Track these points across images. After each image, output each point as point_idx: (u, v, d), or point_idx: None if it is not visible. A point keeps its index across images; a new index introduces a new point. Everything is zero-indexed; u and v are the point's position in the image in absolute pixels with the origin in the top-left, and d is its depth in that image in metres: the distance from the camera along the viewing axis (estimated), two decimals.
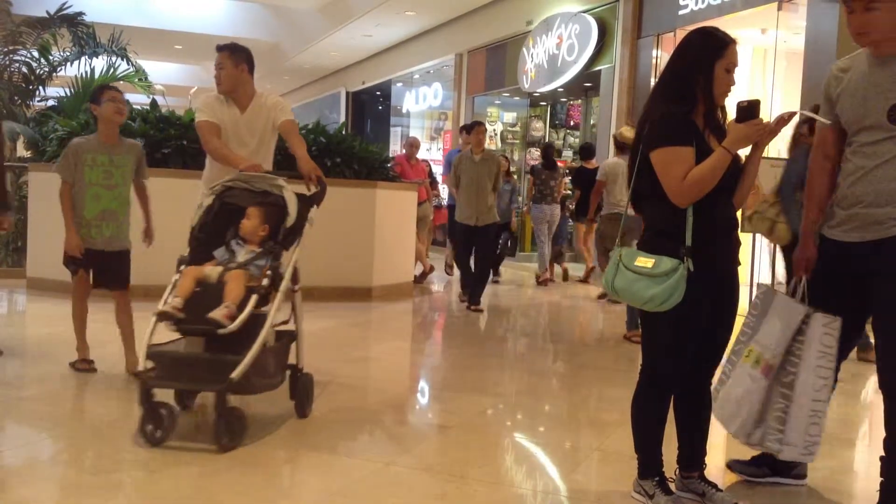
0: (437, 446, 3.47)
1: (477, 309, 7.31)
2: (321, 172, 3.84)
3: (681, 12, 9.45)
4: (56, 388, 4.04)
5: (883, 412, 2.69)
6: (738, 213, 2.84)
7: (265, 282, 3.33)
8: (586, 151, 9.93)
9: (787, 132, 2.97)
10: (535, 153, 13.65)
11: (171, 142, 6.96)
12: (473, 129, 7.58)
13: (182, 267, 3.42)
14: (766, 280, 6.11)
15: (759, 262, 8.04)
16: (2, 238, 8.25)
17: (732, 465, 3.15)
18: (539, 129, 14.52)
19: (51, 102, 11.81)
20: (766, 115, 2.68)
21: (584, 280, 10.00)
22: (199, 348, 3.35)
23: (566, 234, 10.58)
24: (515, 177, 11.48)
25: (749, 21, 8.87)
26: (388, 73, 18.47)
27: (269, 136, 4.23)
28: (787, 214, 4.65)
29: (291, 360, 3.70)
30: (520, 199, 10.69)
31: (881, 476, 2.71)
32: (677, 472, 2.88)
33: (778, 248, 5.69)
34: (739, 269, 2.83)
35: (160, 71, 17.12)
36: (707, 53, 2.60)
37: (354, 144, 7.89)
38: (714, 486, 2.83)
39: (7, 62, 11.18)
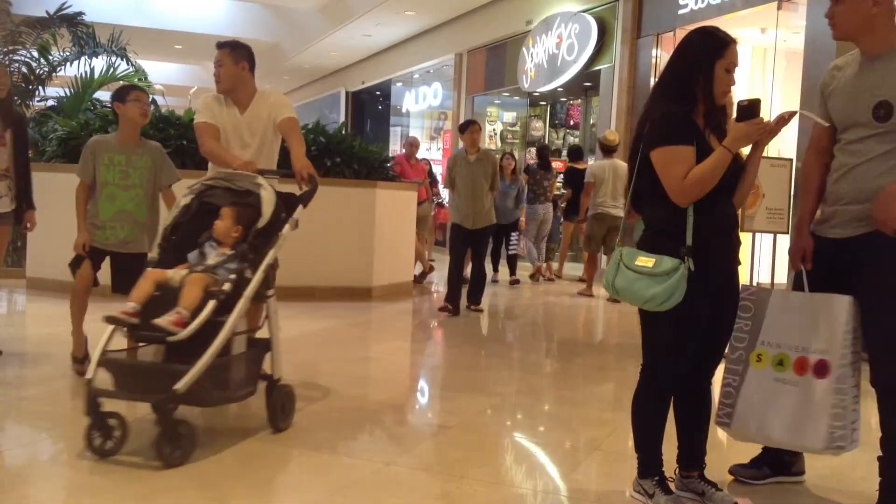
0: (438, 446, 3.47)
1: (477, 309, 7.21)
2: (314, 171, 3.72)
3: (680, 12, 9.44)
4: (56, 388, 4.04)
5: (877, 410, 2.70)
6: (739, 213, 2.85)
7: (226, 286, 3.11)
8: (575, 153, 10.33)
9: (787, 131, 2.96)
10: (532, 153, 13.69)
11: (170, 142, 6.96)
12: (467, 128, 7.26)
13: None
14: (766, 280, 6.11)
15: (759, 261, 8.04)
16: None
17: (733, 470, 3.14)
18: (539, 128, 14.51)
19: (50, 102, 11.81)
20: (766, 114, 2.69)
21: (557, 276, 10.38)
22: (158, 357, 3.16)
23: (559, 234, 10.66)
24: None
25: (749, 20, 8.86)
26: (387, 72, 18.47)
27: (271, 136, 4.08)
28: None
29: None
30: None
31: (880, 475, 2.71)
32: (677, 472, 2.88)
33: (780, 249, 5.70)
34: (740, 268, 2.83)
35: (160, 71, 17.14)
36: (707, 53, 2.60)
37: (354, 144, 7.89)
38: (714, 485, 2.83)
39: (7, 62, 11.17)
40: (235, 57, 3.98)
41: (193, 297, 3.04)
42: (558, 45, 11.63)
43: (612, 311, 7.92)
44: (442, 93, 16.24)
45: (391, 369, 5.15)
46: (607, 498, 2.91)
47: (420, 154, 10.34)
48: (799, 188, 3.04)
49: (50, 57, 11.43)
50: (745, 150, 2.69)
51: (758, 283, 6.68)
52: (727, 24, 8.05)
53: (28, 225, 4.61)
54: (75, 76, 11.27)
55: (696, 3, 9.21)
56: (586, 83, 12.16)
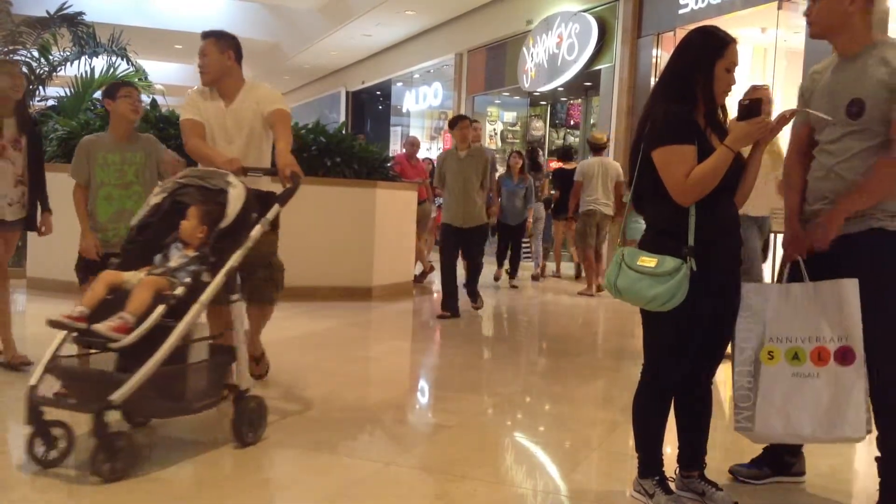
0: (438, 446, 3.47)
1: (476, 307, 7.10)
2: (298, 168, 3.52)
3: (681, 11, 9.45)
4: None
5: (873, 409, 2.71)
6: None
7: (178, 291, 2.94)
8: (565, 153, 10.54)
9: (788, 130, 2.97)
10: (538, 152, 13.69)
11: (170, 141, 6.95)
12: (457, 123, 6.97)
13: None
14: (766, 278, 6.11)
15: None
16: None
17: (734, 470, 3.14)
18: (539, 128, 14.52)
19: (51, 102, 11.80)
20: (762, 112, 2.69)
21: (580, 277, 10.31)
22: (111, 364, 2.97)
23: (550, 233, 10.71)
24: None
25: (749, 20, 8.87)
26: (388, 72, 18.48)
27: (260, 130, 3.84)
28: None
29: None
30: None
31: (879, 476, 2.71)
32: (677, 472, 2.88)
33: (779, 247, 5.69)
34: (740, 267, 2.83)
35: (160, 71, 17.13)
36: (707, 53, 2.60)
37: (354, 144, 7.89)
38: (714, 485, 2.82)
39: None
40: (220, 46, 3.81)
41: (141, 302, 2.87)
42: (559, 44, 11.64)
43: (611, 311, 7.92)
44: (442, 93, 16.25)
45: (391, 369, 5.15)
46: (607, 498, 2.91)
47: (420, 154, 10.34)
48: (783, 186, 3.06)
49: (50, 57, 11.44)
50: (747, 150, 2.69)
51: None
52: (728, 23, 8.05)
53: (43, 229, 4.46)
54: (75, 76, 11.27)
55: (697, 2, 9.21)
56: (587, 83, 12.17)
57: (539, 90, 12.60)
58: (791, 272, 2.85)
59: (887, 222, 2.63)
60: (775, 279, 2.99)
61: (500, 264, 9.46)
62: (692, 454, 2.86)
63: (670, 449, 2.91)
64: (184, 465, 3.00)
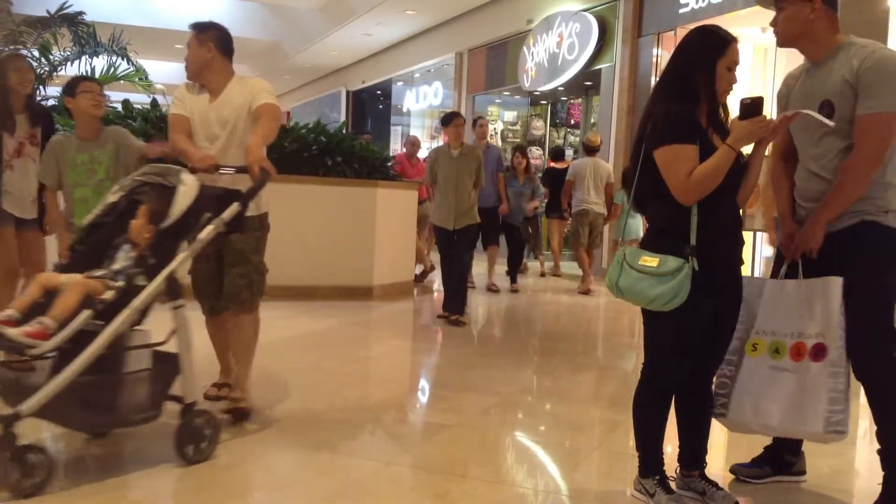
0: (438, 445, 3.47)
1: (458, 321, 6.47)
2: (269, 164, 3.30)
3: (681, 11, 9.44)
4: None
5: (868, 402, 2.72)
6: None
7: (108, 295, 2.76)
8: (557, 153, 10.58)
9: None
10: (536, 152, 13.69)
11: None
12: (451, 121, 6.69)
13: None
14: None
15: (760, 259, 8.05)
16: None
17: (734, 469, 3.14)
18: (539, 127, 14.52)
19: (51, 102, 11.80)
20: (768, 112, 2.71)
21: (556, 274, 10.49)
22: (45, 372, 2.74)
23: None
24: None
25: (749, 19, 8.86)
26: (388, 72, 18.47)
27: (245, 126, 3.56)
28: None
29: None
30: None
31: (883, 470, 2.72)
32: (678, 471, 2.88)
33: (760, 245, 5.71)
34: (742, 267, 2.83)
35: (161, 70, 17.10)
36: (708, 52, 2.60)
37: (355, 143, 7.89)
38: (715, 484, 2.82)
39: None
40: (200, 38, 3.62)
41: (66, 306, 2.70)
42: (559, 44, 11.63)
43: (612, 310, 7.92)
44: (442, 92, 16.24)
45: (392, 369, 5.15)
46: (608, 497, 2.91)
47: (421, 153, 10.33)
48: (773, 190, 3.10)
49: (51, 56, 11.43)
50: (748, 149, 2.69)
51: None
52: (728, 22, 8.05)
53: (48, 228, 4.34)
54: (76, 76, 11.26)
55: (697, 2, 9.21)
56: (587, 82, 12.17)
57: (539, 89, 12.59)
58: (789, 270, 2.86)
59: (880, 217, 2.65)
60: (770, 275, 2.99)
61: (513, 277, 8.95)
62: (693, 453, 2.86)
63: (671, 448, 2.91)
64: (184, 464, 3.00)
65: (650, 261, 2.59)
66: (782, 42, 2.84)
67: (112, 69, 11.75)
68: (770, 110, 5.78)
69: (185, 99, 3.65)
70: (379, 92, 20.15)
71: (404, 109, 18.48)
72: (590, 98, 12.80)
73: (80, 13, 11.48)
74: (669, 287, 2.53)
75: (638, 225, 8.94)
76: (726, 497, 2.77)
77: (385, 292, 7.71)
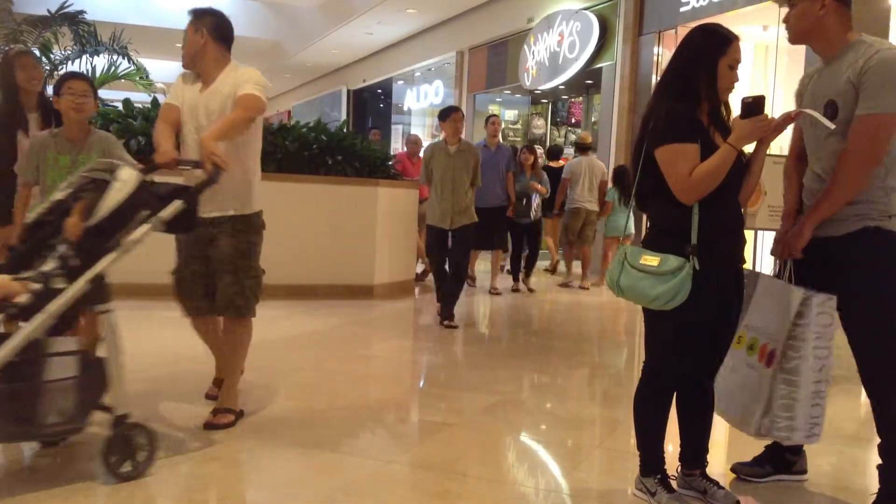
0: (439, 444, 3.47)
1: (450, 325, 6.26)
2: (221, 159, 3.09)
3: (682, 9, 9.43)
4: None
5: (871, 410, 2.72)
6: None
7: (22, 299, 2.59)
8: (553, 152, 10.65)
9: (790, 129, 2.97)
10: (538, 151, 13.69)
11: None
12: (449, 115, 6.43)
13: None
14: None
15: (760, 258, 8.04)
16: None
17: (736, 468, 3.14)
18: (540, 126, 14.52)
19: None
20: (770, 111, 2.71)
21: (551, 271, 10.56)
22: None
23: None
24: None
25: (750, 17, 8.85)
26: (389, 70, 18.47)
27: None
28: None
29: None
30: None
31: (879, 483, 2.71)
32: (679, 470, 2.88)
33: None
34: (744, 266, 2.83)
35: (161, 69, 17.10)
36: (710, 50, 2.59)
37: (356, 142, 7.89)
38: (716, 483, 2.82)
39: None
40: (196, 25, 3.48)
41: None
42: (560, 42, 11.63)
43: (613, 309, 7.92)
44: (443, 91, 16.24)
45: (392, 367, 5.15)
46: (609, 496, 2.91)
47: (422, 152, 10.32)
48: (783, 188, 3.10)
49: (51, 55, 11.44)
50: (749, 148, 2.69)
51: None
52: (729, 21, 8.04)
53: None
54: (66, 72, 11.26)
55: (698, 0, 9.20)
56: (588, 81, 12.16)
57: (540, 88, 12.59)
58: (779, 268, 2.87)
59: (883, 222, 2.64)
60: (773, 273, 3.00)
61: (515, 276, 8.90)
62: (694, 452, 2.86)
63: (672, 447, 2.91)
64: (185, 463, 3.00)
65: (651, 260, 2.59)
66: (793, 38, 2.83)
67: (113, 68, 11.77)
68: (772, 109, 5.76)
69: (178, 88, 3.53)
70: (380, 91, 20.15)
71: (405, 108, 18.48)
72: (591, 97, 12.80)
73: (81, 12, 11.49)
74: (670, 286, 2.53)
75: (626, 221, 9.12)
76: (727, 496, 2.77)
77: (386, 291, 7.71)
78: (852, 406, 4.39)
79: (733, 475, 3.11)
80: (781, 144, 8.09)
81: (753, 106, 2.56)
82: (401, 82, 18.49)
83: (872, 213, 2.65)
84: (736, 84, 2.65)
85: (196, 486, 2.84)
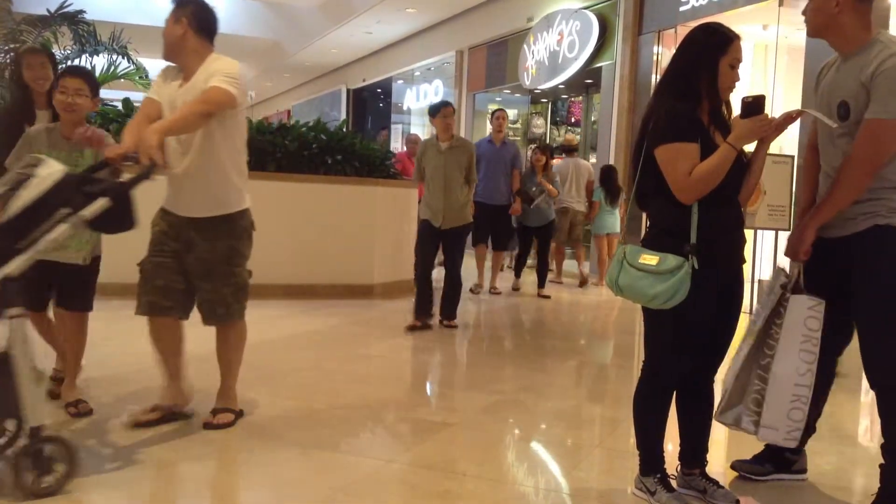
0: (439, 444, 3.47)
1: (451, 325, 6.18)
2: (157, 154, 2.88)
3: (682, 8, 9.43)
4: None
5: (877, 410, 2.71)
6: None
7: None
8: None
9: (790, 128, 2.96)
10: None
11: None
12: (439, 111, 6.19)
13: None
14: (767, 277, 6.10)
15: (760, 258, 8.04)
16: None
17: (736, 466, 3.14)
18: (540, 125, 14.51)
19: None
20: (769, 110, 2.70)
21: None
22: None
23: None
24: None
25: (750, 17, 8.85)
26: (388, 70, 18.47)
27: (215, 120, 3.20)
28: None
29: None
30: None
31: (881, 482, 2.71)
32: (679, 469, 2.88)
33: (781, 246, 5.71)
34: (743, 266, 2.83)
35: (159, 69, 17.16)
36: (711, 50, 2.60)
37: (355, 142, 7.88)
38: (715, 482, 2.83)
39: (8, 60, 11.18)
40: (176, 14, 3.27)
41: None
42: (559, 42, 11.62)
43: (612, 308, 7.92)
44: (443, 90, 16.23)
45: (392, 367, 5.15)
46: (609, 495, 2.91)
47: None
48: (800, 182, 3.09)
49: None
50: (750, 147, 2.68)
51: (759, 280, 6.67)
52: (729, 20, 8.04)
53: None
54: (64, 67, 11.26)
55: None
56: (587, 80, 12.15)
57: (540, 88, 12.58)
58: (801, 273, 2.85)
59: (892, 218, 2.63)
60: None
61: (517, 273, 8.80)
62: (694, 452, 2.86)
63: (672, 446, 2.91)
64: (184, 461, 3.00)
65: (650, 259, 2.59)
66: (810, 32, 2.82)
67: (112, 68, 11.76)
68: (771, 108, 5.75)
69: (160, 82, 3.37)
70: (379, 90, 20.14)
71: (405, 108, 18.47)
72: (590, 96, 12.79)
73: (81, 12, 11.48)
74: (669, 285, 2.53)
75: (615, 220, 9.51)
76: (727, 495, 2.77)
77: (385, 290, 7.71)
78: (852, 406, 4.39)
79: (733, 474, 3.11)
80: (781, 144, 8.11)
81: (753, 105, 2.56)
82: (400, 82, 18.49)
83: (882, 210, 2.63)
84: (737, 83, 2.65)
85: (196, 486, 2.84)
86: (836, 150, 2.74)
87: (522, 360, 5.40)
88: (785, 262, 2.98)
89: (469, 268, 7.85)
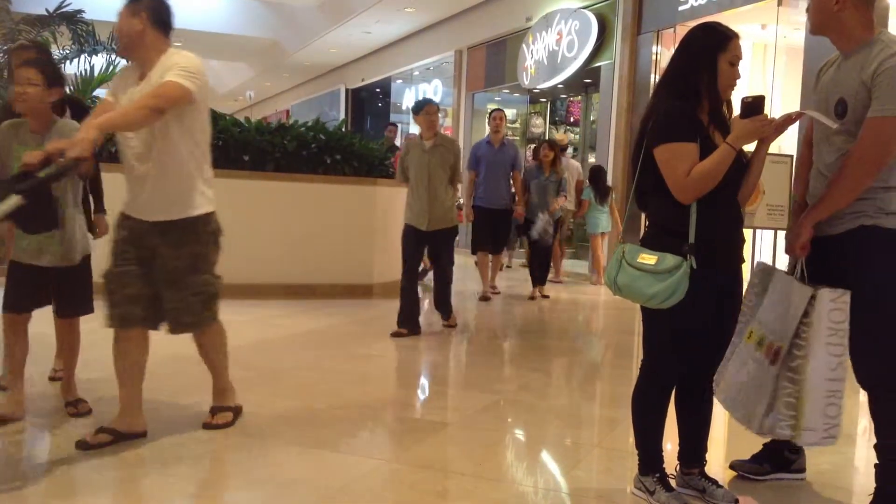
0: (438, 443, 3.47)
1: (449, 324, 6.13)
2: (87, 149, 2.73)
3: (681, 8, 9.43)
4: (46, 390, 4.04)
5: (869, 410, 2.71)
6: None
7: None
8: (535, 152, 10.69)
9: (789, 128, 2.97)
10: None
11: None
12: (422, 108, 5.92)
13: None
14: None
15: (759, 257, 8.05)
16: None
17: (735, 465, 3.15)
18: (539, 125, 14.51)
19: None
20: (768, 110, 2.70)
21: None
22: None
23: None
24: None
25: (749, 16, 8.85)
26: (387, 69, 18.47)
27: (171, 117, 3.03)
28: None
29: None
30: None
31: (876, 483, 2.71)
32: (678, 468, 2.88)
33: (780, 245, 5.71)
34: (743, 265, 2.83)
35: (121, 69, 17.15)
36: (709, 48, 2.60)
37: (354, 142, 7.88)
38: (714, 482, 2.83)
39: (7, 60, 11.18)
40: (133, 7, 3.09)
41: None
42: (558, 41, 11.62)
43: (611, 308, 7.92)
44: (442, 90, 16.24)
45: (391, 367, 5.15)
46: (608, 495, 2.91)
47: None
48: (795, 178, 3.09)
49: None
50: (750, 147, 2.68)
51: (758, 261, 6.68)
52: (727, 20, 8.02)
53: (97, 231, 3.96)
54: (75, 74, 11.26)
55: None
56: (586, 80, 12.15)
57: (539, 87, 12.58)
58: (791, 266, 2.86)
59: (880, 219, 2.63)
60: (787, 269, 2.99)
61: (534, 281, 8.28)
62: (693, 451, 2.86)
63: (671, 446, 2.91)
64: (184, 461, 3.00)
65: (648, 258, 2.59)
66: (812, 30, 2.83)
67: (111, 67, 11.74)
68: (770, 108, 5.76)
69: (117, 81, 3.22)
70: (378, 90, 20.14)
71: (404, 107, 18.46)
72: (589, 96, 12.79)
73: (79, 11, 11.47)
74: (667, 285, 2.53)
75: (606, 219, 9.63)
76: (726, 495, 2.77)
77: (385, 290, 7.70)
78: (851, 406, 4.39)
79: (732, 473, 3.12)
80: (780, 144, 8.11)
81: (753, 106, 2.56)
82: (399, 81, 18.49)
83: (869, 209, 2.64)
84: (738, 80, 2.65)
85: (195, 486, 2.84)
86: (831, 148, 2.73)
87: (521, 360, 5.40)
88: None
89: (466, 267, 7.86)
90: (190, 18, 16.76)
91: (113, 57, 11.74)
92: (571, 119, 14.29)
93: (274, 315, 6.32)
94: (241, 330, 5.72)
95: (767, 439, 3.08)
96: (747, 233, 5.71)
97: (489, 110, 9.04)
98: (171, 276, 3.14)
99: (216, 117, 7.33)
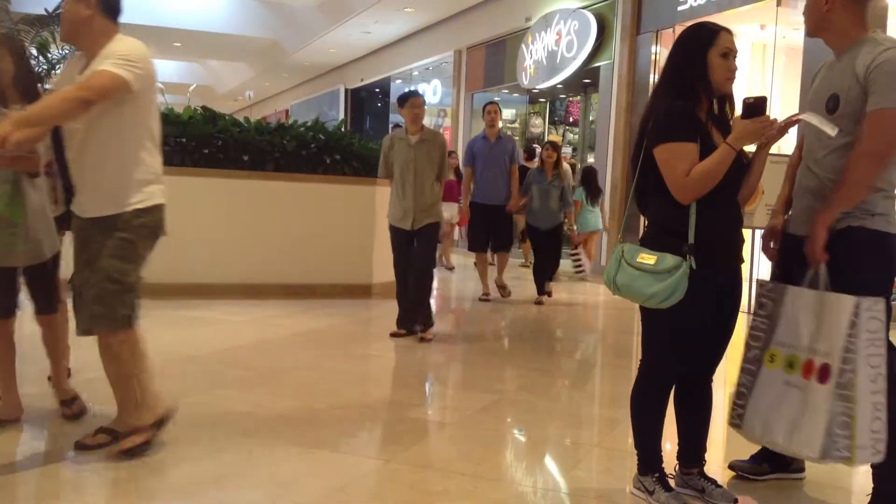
0: (438, 443, 3.48)
1: (426, 338, 5.63)
2: (18, 140, 2.61)
3: (680, 8, 9.44)
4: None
5: None
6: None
7: None
8: (529, 151, 10.97)
9: (792, 130, 2.97)
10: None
11: (168, 139, 6.95)
12: (407, 100, 5.64)
13: None
14: (765, 276, 6.11)
15: (758, 258, 8.05)
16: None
17: (734, 465, 3.15)
18: (538, 125, 14.53)
19: None
20: (767, 111, 2.70)
21: (528, 266, 10.33)
22: None
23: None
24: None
25: (748, 17, 8.87)
26: (387, 69, 18.47)
27: (108, 109, 2.82)
28: None
29: None
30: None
31: (874, 483, 2.71)
32: (677, 468, 2.89)
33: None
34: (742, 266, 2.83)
35: (159, 68, 17.01)
36: (699, 44, 2.61)
37: (353, 141, 7.89)
38: (714, 482, 2.83)
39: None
40: None
41: None
42: (557, 41, 11.63)
43: (611, 308, 7.93)
44: (441, 90, 16.25)
45: (391, 366, 5.15)
46: (608, 495, 2.91)
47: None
48: (784, 179, 3.07)
49: (49, 55, 11.41)
50: (750, 148, 2.69)
51: (758, 280, 6.68)
52: (726, 20, 8.05)
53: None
54: None
55: None
56: (586, 80, 12.17)
57: (538, 87, 12.59)
58: (812, 278, 2.79)
59: (866, 220, 2.63)
60: (770, 276, 2.98)
61: (539, 288, 7.94)
62: (692, 451, 2.86)
63: (670, 445, 2.92)
64: (182, 461, 3.00)
65: (648, 258, 2.60)
66: (807, 32, 2.85)
67: None
68: (770, 108, 5.76)
69: (64, 73, 3.02)
70: (378, 90, 20.16)
71: None
72: (588, 96, 12.80)
73: None
74: (666, 285, 2.53)
75: (596, 218, 9.74)
76: (725, 495, 2.78)
77: (384, 290, 7.69)
78: None
79: (731, 473, 3.12)
80: (780, 144, 8.10)
81: (755, 106, 2.56)
82: (399, 81, 18.49)
83: (855, 211, 2.63)
84: (736, 75, 2.64)
85: (195, 486, 2.84)
86: (821, 144, 2.73)
87: (521, 360, 5.41)
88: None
89: (467, 267, 7.86)
90: (190, 18, 16.79)
91: None
92: (570, 119, 14.30)
93: (274, 315, 6.32)
94: (241, 330, 5.73)
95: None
96: (747, 233, 5.72)
97: (485, 104, 8.64)
98: (92, 257, 2.93)
99: (216, 117, 7.35)
